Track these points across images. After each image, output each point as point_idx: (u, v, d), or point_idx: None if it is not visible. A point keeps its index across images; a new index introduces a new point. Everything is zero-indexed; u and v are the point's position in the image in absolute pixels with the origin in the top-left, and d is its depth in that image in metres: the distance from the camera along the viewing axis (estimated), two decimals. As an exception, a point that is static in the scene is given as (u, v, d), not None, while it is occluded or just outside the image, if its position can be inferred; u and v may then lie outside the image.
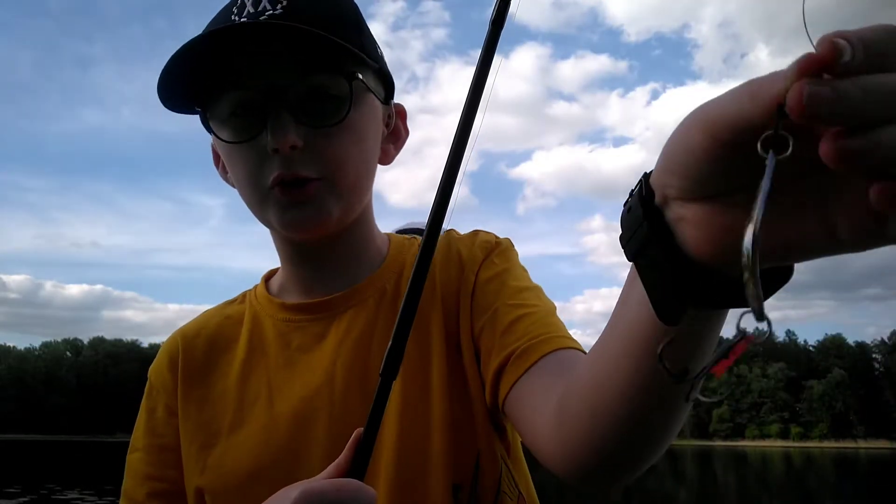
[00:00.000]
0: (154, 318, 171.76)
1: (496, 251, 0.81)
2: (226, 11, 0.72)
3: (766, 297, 0.32)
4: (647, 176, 0.39)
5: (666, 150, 0.36)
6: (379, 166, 0.81)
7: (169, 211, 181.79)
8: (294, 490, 0.53)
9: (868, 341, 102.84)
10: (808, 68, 0.28)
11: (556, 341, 0.69)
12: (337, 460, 0.56)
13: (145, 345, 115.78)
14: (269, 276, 0.88)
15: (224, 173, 0.80)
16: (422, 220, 1.74)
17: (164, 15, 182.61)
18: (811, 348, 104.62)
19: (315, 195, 0.71)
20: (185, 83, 0.70)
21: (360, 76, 0.71)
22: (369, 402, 0.63)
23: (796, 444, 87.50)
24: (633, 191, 0.40)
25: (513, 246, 0.83)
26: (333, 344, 0.76)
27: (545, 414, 0.62)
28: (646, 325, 0.44)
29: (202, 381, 0.81)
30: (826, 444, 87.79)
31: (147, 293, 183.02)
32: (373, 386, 0.64)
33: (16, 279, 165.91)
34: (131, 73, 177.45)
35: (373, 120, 0.77)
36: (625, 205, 0.41)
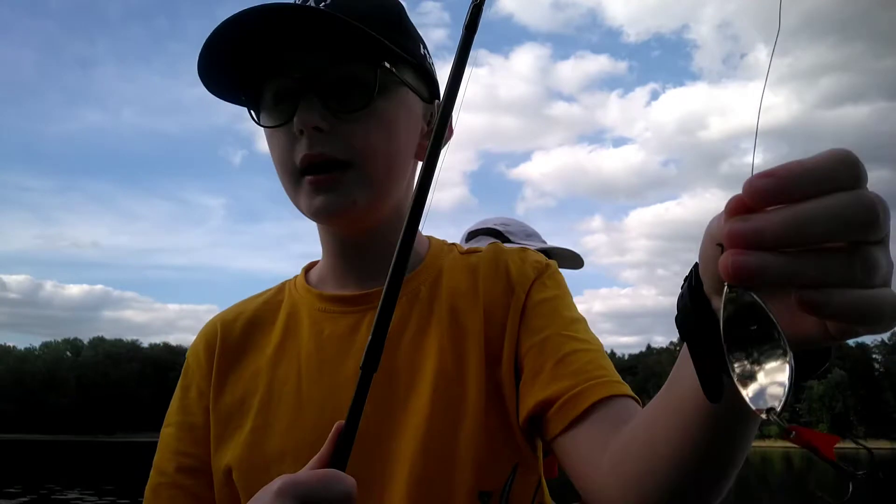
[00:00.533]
0: (154, 318, 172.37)
1: (546, 273, 0.82)
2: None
3: (809, 378, 0.40)
4: (697, 266, 0.42)
5: (699, 251, 0.41)
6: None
7: (169, 211, 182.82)
8: (277, 482, 0.54)
9: (868, 341, 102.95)
10: (735, 210, 0.35)
11: (611, 387, 0.69)
12: (319, 453, 0.57)
13: (145, 345, 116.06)
14: (309, 267, 0.90)
15: None
16: (493, 218, 1.77)
17: (166, 15, 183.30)
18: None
19: (341, 181, 0.74)
20: (225, 69, 0.73)
21: (391, 67, 0.74)
22: (394, 398, 0.69)
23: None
24: (686, 277, 0.44)
25: (559, 270, 0.86)
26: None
27: (598, 467, 0.64)
28: (695, 401, 0.47)
29: (237, 362, 0.83)
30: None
31: (147, 293, 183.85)
32: (398, 383, 0.71)
33: (16, 279, 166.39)
34: (132, 74, 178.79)
35: (406, 113, 0.78)
36: (681, 288, 0.45)
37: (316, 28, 0.70)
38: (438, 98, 0.84)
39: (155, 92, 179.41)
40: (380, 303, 0.56)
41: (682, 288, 0.44)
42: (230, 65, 0.73)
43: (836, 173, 0.34)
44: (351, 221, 0.78)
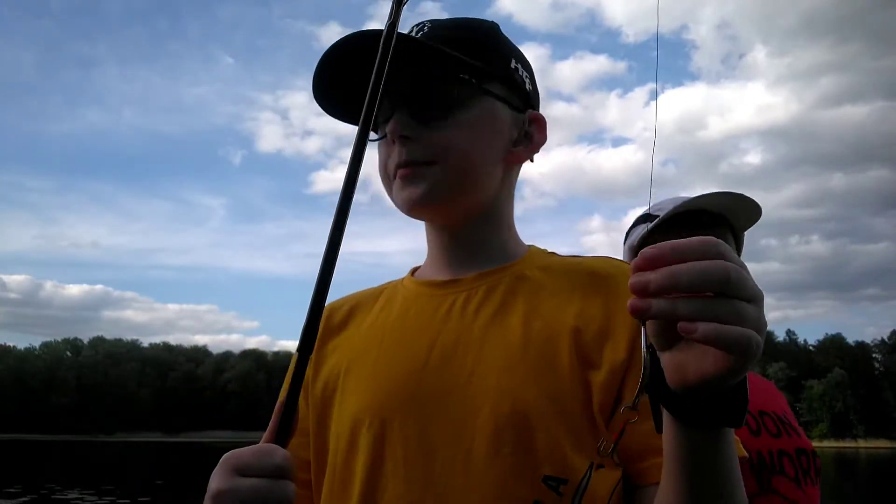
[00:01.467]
0: (154, 318, 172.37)
1: None
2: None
3: (735, 419, 0.55)
4: None
5: None
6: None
7: (170, 211, 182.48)
8: (223, 457, 0.61)
9: (868, 341, 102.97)
10: (633, 270, 0.53)
11: None
12: (267, 429, 0.63)
13: (145, 345, 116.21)
14: (415, 270, 0.97)
15: None
16: (666, 199, 1.66)
17: (166, 16, 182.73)
18: (811, 348, 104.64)
19: (425, 175, 0.83)
20: (335, 89, 0.84)
21: (471, 79, 0.83)
22: (452, 376, 0.77)
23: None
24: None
25: None
26: (446, 316, 0.83)
27: None
28: (672, 446, 0.60)
29: (338, 335, 0.92)
30: (826, 443, 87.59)
31: (147, 293, 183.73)
32: (458, 363, 0.78)
33: (16, 279, 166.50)
34: (133, 74, 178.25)
35: (490, 120, 0.86)
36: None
37: (407, 52, 0.77)
38: (533, 108, 0.91)
39: (155, 92, 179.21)
40: (317, 276, 0.62)
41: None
42: (337, 86, 0.84)
43: (705, 248, 0.51)
44: (437, 213, 0.87)
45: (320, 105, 0.86)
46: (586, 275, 0.84)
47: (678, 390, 0.54)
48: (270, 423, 0.63)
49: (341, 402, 0.84)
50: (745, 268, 0.51)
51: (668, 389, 0.55)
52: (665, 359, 0.54)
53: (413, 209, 0.85)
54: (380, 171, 0.88)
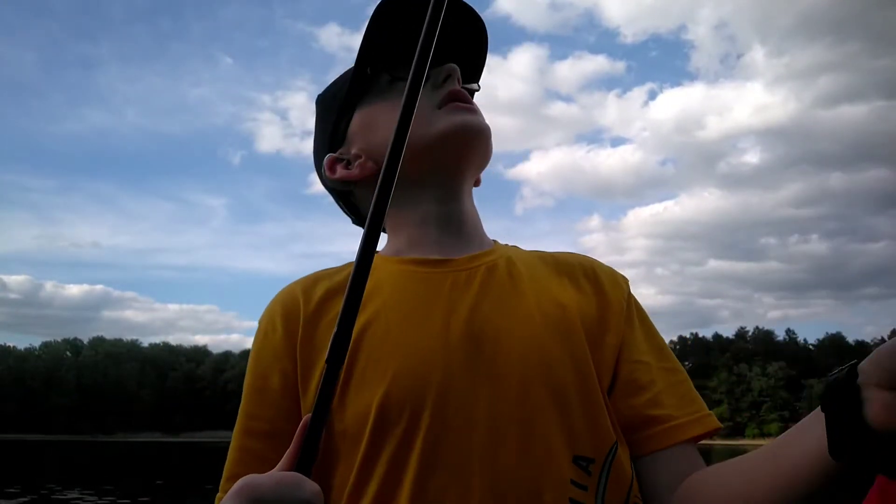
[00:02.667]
0: (154, 318, 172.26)
1: (630, 290, 0.87)
2: None
3: None
4: (856, 362, 0.54)
5: (878, 351, 0.52)
6: None
7: (171, 211, 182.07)
8: (239, 482, 0.54)
9: (868, 340, 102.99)
10: None
11: (705, 423, 0.76)
12: (288, 450, 0.57)
13: (145, 345, 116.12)
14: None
15: (346, 172, 0.90)
16: None
17: (169, 16, 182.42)
18: (811, 347, 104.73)
19: (479, 112, 0.87)
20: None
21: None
22: (480, 354, 0.72)
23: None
24: (840, 368, 0.55)
25: None
26: (448, 296, 0.78)
27: (668, 499, 0.72)
28: (812, 463, 0.56)
29: (322, 321, 0.82)
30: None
31: (148, 293, 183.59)
32: (484, 339, 0.73)
33: (16, 279, 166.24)
34: (135, 74, 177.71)
35: None
36: (830, 374, 0.56)
37: (459, 9, 0.86)
38: None
39: (157, 92, 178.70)
40: (345, 295, 0.58)
41: (831, 374, 0.56)
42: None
43: None
44: (477, 157, 0.88)
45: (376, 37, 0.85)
46: (566, 263, 0.87)
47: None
48: (292, 446, 0.56)
49: (353, 390, 0.75)
50: None
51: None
52: (891, 397, 0.50)
53: (469, 133, 0.84)
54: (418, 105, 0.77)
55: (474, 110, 0.85)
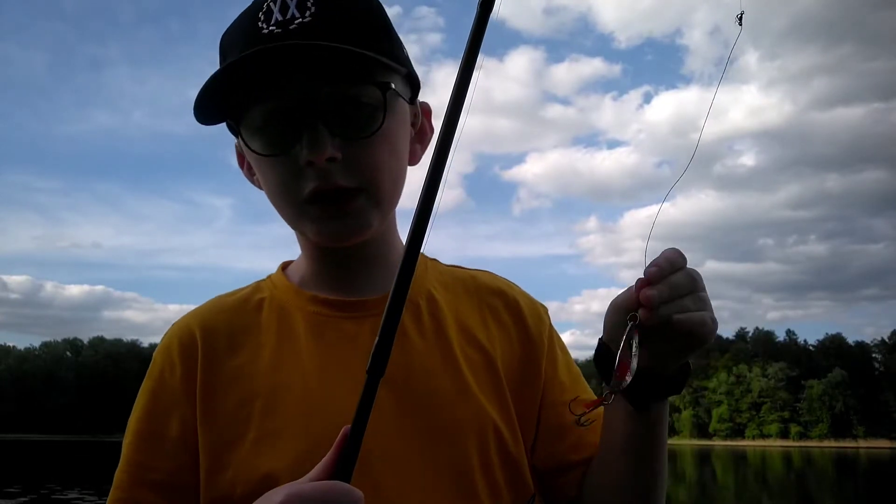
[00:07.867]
0: (154, 319, 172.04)
1: (549, 319, 0.88)
2: (251, 17, 0.71)
3: (680, 388, 0.71)
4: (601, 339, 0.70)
5: (607, 318, 0.69)
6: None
7: (176, 211, 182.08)
8: (278, 494, 0.52)
9: (868, 341, 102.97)
10: (640, 287, 0.63)
11: None
12: (323, 460, 0.55)
13: (145, 345, 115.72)
14: (285, 266, 0.86)
15: (250, 175, 0.81)
16: None
17: (178, 17, 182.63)
18: (811, 348, 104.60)
19: (353, 208, 0.72)
20: (217, 97, 0.71)
21: (392, 85, 0.71)
22: (406, 408, 0.72)
23: (796, 444, 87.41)
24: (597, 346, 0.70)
25: None
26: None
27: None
28: (623, 422, 0.72)
29: (226, 366, 0.76)
30: (826, 443, 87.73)
31: (149, 294, 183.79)
32: (410, 391, 0.73)
33: (16, 279, 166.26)
34: (143, 75, 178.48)
35: (403, 124, 0.77)
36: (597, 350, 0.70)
37: (314, 54, 0.67)
38: (418, 97, 0.82)
39: (165, 94, 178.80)
40: (387, 305, 0.56)
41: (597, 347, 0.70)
42: (221, 90, 0.70)
43: (680, 260, 0.65)
44: (359, 242, 0.76)
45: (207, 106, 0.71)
46: (488, 293, 0.85)
47: (650, 374, 0.66)
48: (331, 452, 0.55)
49: (267, 444, 0.70)
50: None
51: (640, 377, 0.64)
52: (644, 351, 0.64)
53: (337, 245, 0.76)
54: (281, 193, 0.74)
55: (342, 213, 0.72)
